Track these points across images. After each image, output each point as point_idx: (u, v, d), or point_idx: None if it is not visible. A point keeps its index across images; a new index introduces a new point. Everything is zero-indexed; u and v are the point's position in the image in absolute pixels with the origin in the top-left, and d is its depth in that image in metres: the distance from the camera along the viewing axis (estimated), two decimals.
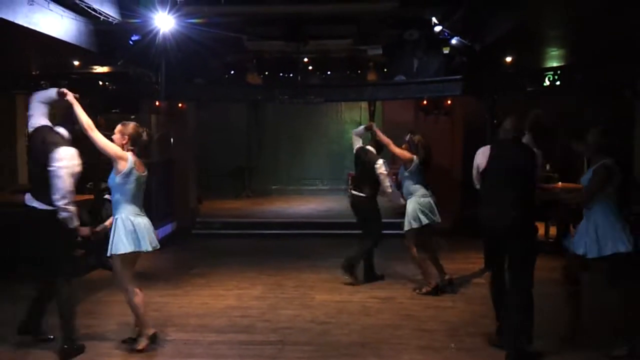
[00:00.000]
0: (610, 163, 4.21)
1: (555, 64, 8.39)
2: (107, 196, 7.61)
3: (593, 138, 4.33)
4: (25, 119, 8.45)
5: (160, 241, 8.58)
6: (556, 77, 8.23)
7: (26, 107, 8.59)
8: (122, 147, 4.30)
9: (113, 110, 8.82)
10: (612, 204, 4.23)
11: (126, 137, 4.32)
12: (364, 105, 14.18)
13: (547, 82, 8.31)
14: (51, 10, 5.42)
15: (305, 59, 9.52)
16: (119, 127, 4.37)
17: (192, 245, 9.19)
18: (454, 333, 4.81)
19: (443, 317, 5.24)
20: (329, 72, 10.14)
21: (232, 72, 9.89)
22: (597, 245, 4.15)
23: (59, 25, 5.66)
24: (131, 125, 4.38)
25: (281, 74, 10.00)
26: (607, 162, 4.22)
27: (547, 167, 9.13)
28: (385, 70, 9.63)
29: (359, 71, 10.12)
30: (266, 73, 9.94)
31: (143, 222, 4.34)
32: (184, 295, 6.08)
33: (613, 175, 4.20)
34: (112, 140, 4.29)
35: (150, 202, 8.60)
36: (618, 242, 4.11)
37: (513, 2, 5.87)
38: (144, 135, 4.45)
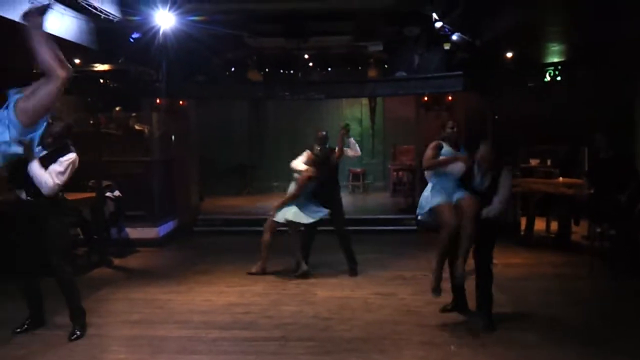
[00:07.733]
0: None
1: (556, 59, 8.38)
2: (108, 194, 7.64)
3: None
4: None
5: (163, 238, 8.74)
6: (557, 72, 8.23)
7: None
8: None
9: (117, 108, 8.83)
10: None
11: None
12: (365, 101, 14.19)
13: (547, 78, 8.32)
14: (52, 8, 5.42)
15: (306, 56, 9.52)
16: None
17: (194, 242, 9.21)
18: (454, 329, 4.82)
19: (444, 313, 5.25)
20: (329, 69, 10.14)
21: (233, 69, 9.90)
22: None
23: (60, 23, 5.69)
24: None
25: (282, 71, 10.00)
26: None
27: (549, 162, 9.13)
28: (386, 66, 9.63)
29: (360, 67, 10.13)
30: (267, 70, 9.95)
31: None
32: (187, 292, 6.09)
33: None
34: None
35: (152, 200, 8.66)
36: None
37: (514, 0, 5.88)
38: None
